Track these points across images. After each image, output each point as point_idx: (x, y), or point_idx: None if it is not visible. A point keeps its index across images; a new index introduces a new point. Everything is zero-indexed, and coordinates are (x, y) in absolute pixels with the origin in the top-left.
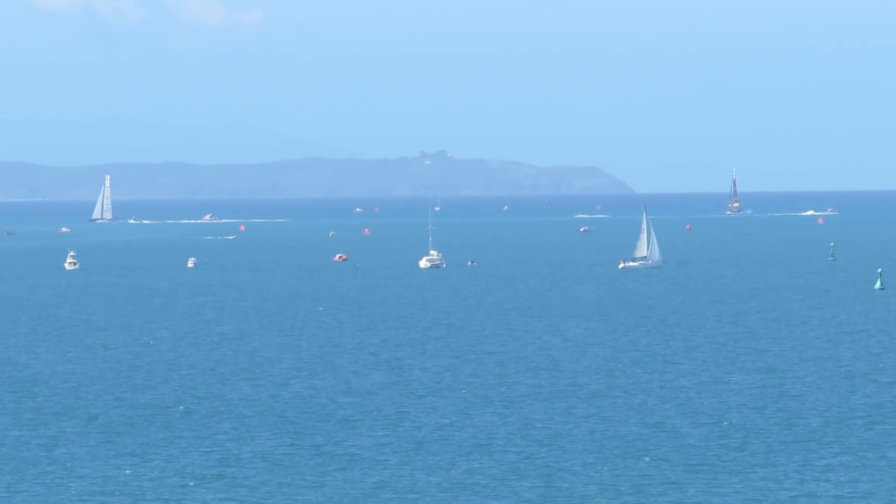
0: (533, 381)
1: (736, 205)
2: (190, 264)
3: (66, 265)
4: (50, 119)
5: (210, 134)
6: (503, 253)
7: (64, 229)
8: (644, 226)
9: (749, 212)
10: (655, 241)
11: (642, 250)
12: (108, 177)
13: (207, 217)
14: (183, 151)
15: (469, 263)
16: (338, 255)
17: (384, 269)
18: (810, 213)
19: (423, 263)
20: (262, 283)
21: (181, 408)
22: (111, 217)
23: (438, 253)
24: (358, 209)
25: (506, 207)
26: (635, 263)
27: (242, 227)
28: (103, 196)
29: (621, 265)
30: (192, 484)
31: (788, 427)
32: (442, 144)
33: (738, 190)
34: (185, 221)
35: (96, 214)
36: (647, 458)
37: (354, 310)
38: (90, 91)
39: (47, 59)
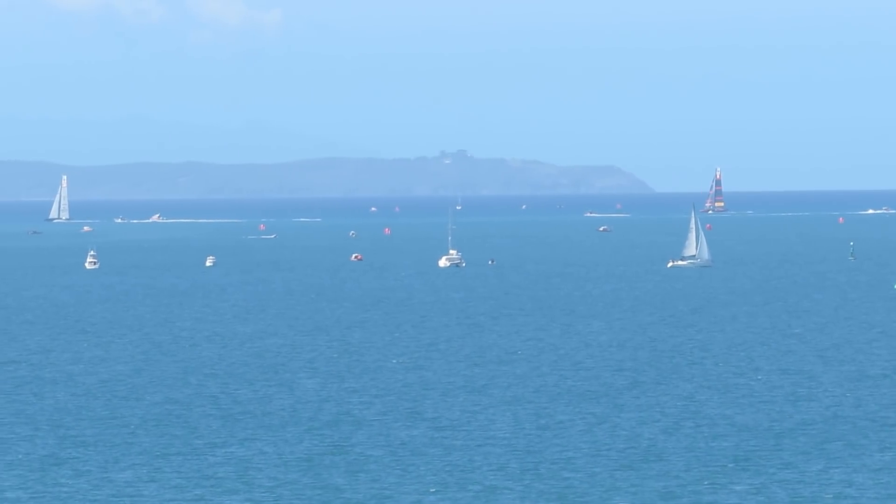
0: (553, 382)
1: (720, 204)
2: (209, 263)
3: (86, 264)
4: (70, 119)
5: (229, 134)
6: (523, 252)
7: (86, 228)
8: (692, 224)
9: (744, 212)
10: (704, 239)
11: (691, 249)
12: (64, 177)
13: (156, 217)
14: (202, 151)
15: (489, 262)
16: (354, 255)
17: (404, 268)
18: (871, 211)
19: (443, 263)
20: (280, 282)
21: (196, 409)
22: (68, 217)
23: (458, 252)
24: (373, 209)
25: (524, 206)
26: (684, 262)
27: (262, 226)
28: (60, 196)
29: (670, 264)
30: (206, 485)
31: (811, 429)
32: (462, 144)
33: (724, 189)
34: (136, 221)
35: (53, 214)
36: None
37: (373, 309)
38: (110, 91)
39: (67, 60)
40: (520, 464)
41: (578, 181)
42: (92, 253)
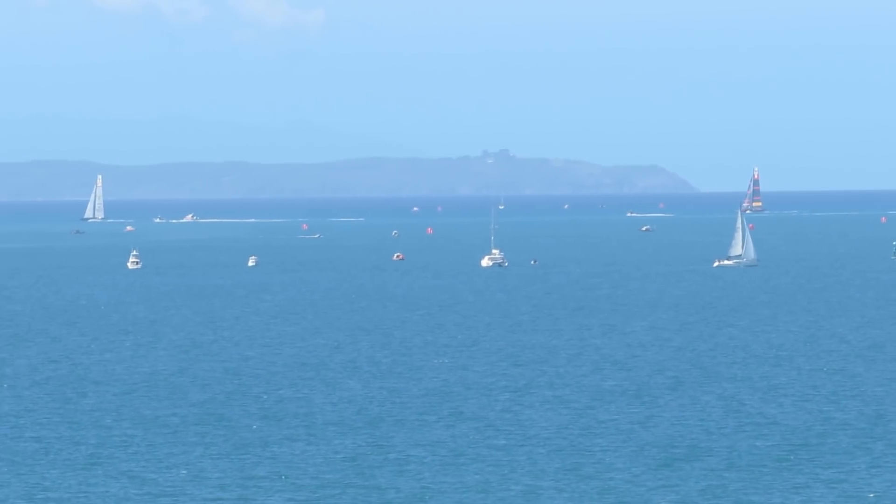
0: (595, 381)
1: (757, 204)
2: (251, 263)
3: (128, 264)
4: (113, 118)
5: (272, 133)
6: (566, 252)
7: (128, 228)
8: (738, 224)
9: (791, 212)
10: (750, 239)
11: (737, 249)
12: (99, 176)
13: (189, 217)
14: (245, 151)
15: (532, 262)
16: (396, 255)
17: (446, 267)
18: None
19: (486, 262)
20: (322, 282)
21: (239, 409)
22: (103, 216)
23: (500, 252)
24: (415, 208)
25: (566, 206)
26: (730, 262)
27: (305, 226)
28: (95, 196)
29: (716, 264)
30: (248, 485)
31: (854, 428)
32: (504, 143)
33: (766, 189)
34: (174, 221)
35: (88, 214)
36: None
37: (415, 309)
38: (153, 90)
39: (110, 59)
40: (562, 463)
41: (621, 181)
42: (134, 253)
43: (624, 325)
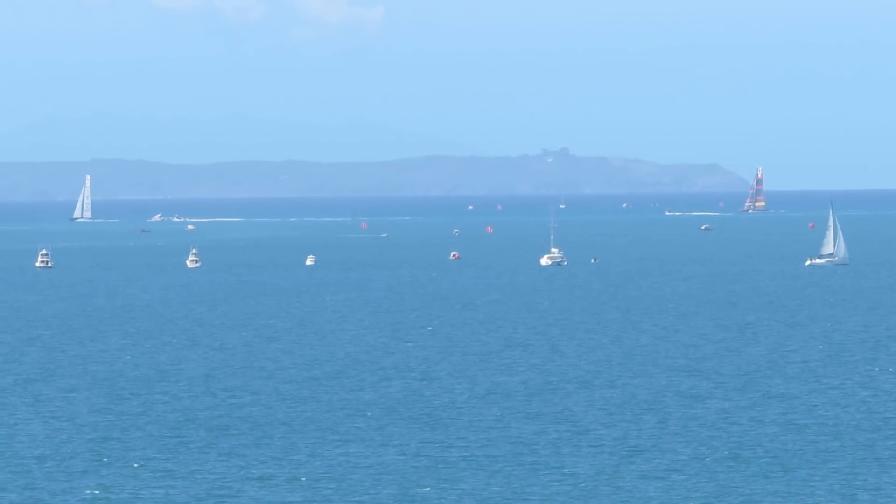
0: (650, 382)
1: (760, 203)
2: (309, 262)
3: (188, 263)
4: (171, 117)
5: (331, 131)
6: (626, 250)
7: (190, 227)
8: (830, 223)
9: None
10: (842, 238)
11: (829, 247)
12: (88, 176)
13: (157, 216)
14: (304, 149)
15: (592, 261)
16: (452, 254)
17: (506, 266)
18: None
19: (545, 261)
20: (378, 281)
21: (295, 409)
22: (90, 216)
23: (560, 250)
24: (470, 206)
25: (625, 205)
26: (822, 261)
27: (364, 225)
28: (83, 195)
29: (808, 262)
30: (303, 480)
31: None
32: (564, 142)
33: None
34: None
35: (76, 214)
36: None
37: (474, 307)
38: (211, 89)
39: (168, 58)
40: (622, 463)
41: (680, 179)
42: (194, 251)
43: (684, 324)
